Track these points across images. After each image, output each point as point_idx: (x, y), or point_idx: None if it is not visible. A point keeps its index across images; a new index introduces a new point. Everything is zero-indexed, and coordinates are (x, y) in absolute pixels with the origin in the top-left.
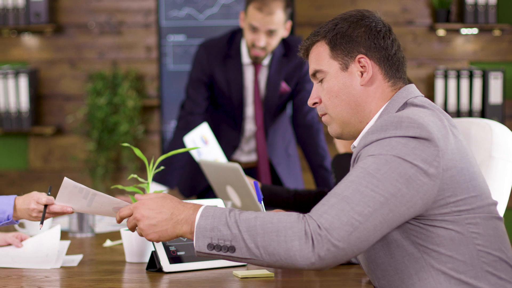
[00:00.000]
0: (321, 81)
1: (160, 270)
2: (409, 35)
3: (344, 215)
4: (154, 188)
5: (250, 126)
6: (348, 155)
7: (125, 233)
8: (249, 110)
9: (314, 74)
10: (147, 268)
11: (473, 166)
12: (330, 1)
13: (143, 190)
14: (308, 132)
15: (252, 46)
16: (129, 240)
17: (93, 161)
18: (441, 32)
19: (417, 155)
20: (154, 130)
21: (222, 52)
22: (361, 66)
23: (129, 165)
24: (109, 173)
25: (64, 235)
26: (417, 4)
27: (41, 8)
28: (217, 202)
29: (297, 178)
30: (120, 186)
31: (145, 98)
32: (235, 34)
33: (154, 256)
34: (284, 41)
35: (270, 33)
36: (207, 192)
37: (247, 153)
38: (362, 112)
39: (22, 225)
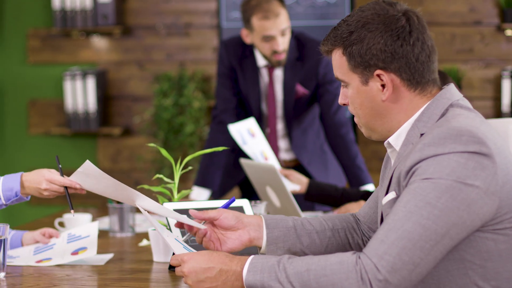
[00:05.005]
0: (345, 86)
1: None
2: (477, 35)
3: (406, 254)
4: (197, 192)
5: (263, 127)
6: None
7: (153, 233)
8: (264, 115)
9: (337, 79)
10: (169, 268)
11: None
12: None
13: (170, 191)
14: (337, 132)
15: (272, 54)
16: (156, 240)
17: (160, 162)
18: (509, 32)
19: (478, 176)
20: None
21: (239, 52)
22: (381, 80)
23: (195, 166)
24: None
25: (104, 234)
26: (485, 4)
27: (109, 10)
28: (243, 203)
29: (336, 172)
30: (146, 186)
31: (211, 99)
32: None
33: None
34: (297, 44)
35: (283, 32)
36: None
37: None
38: (390, 123)
39: (62, 224)
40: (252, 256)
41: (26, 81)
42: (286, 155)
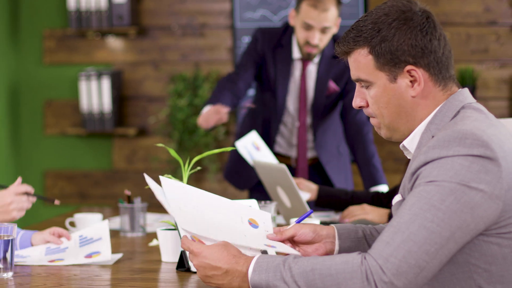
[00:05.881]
0: (366, 87)
1: (188, 270)
2: (492, 35)
3: (411, 257)
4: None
5: (291, 120)
6: None
7: (161, 233)
8: (292, 104)
9: (357, 80)
10: (177, 268)
11: None
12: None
13: None
14: (357, 131)
15: (305, 44)
16: (165, 240)
17: (175, 162)
18: None
19: (482, 179)
20: (235, 132)
21: (275, 40)
22: (411, 76)
23: (210, 166)
24: (191, 174)
25: (115, 234)
26: (500, 4)
27: (124, 10)
28: (252, 203)
29: (347, 176)
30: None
31: None
32: (288, 27)
33: (183, 256)
34: (334, 41)
35: (324, 30)
36: (258, 187)
37: (286, 148)
38: (413, 121)
39: (72, 224)
40: (257, 256)
41: (42, 82)
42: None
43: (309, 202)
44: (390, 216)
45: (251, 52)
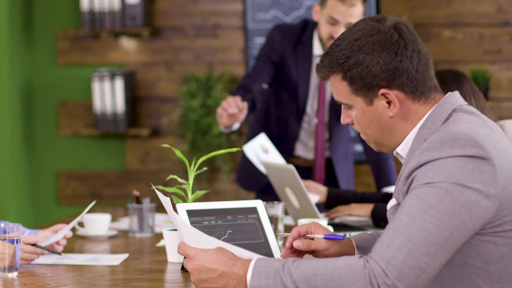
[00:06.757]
0: (348, 108)
1: None
2: (505, 36)
3: (412, 259)
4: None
5: (307, 119)
6: None
7: (167, 234)
8: (311, 101)
9: (338, 102)
10: (181, 268)
11: None
12: (424, 3)
13: (185, 192)
14: None
15: (328, 39)
16: (171, 240)
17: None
18: None
19: (476, 178)
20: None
21: (295, 38)
22: (386, 98)
23: (223, 167)
24: (203, 174)
25: (124, 234)
26: None
27: (137, 11)
28: (257, 204)
29: (349, 179)
30: (160, 187)
31: None
32: (308, 24)
33: None
34: None
35: (349, 26)
36: (268, 189)
37: (309, 149)
38: (399, 136)
39: (81, 224)
40: (255, 259)
41: (55, 82)
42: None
43: (318, 204)
44: (374, 210)
45: (268, 53)
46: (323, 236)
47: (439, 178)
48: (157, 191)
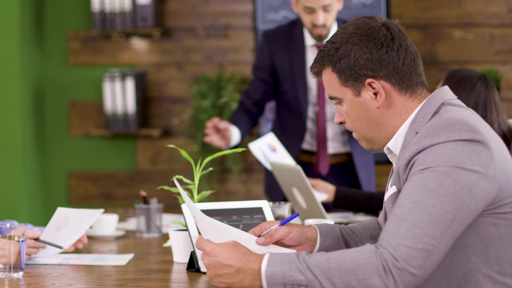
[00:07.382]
0: (339, 103)
1: (198, 271)
2: None
3: (419, 242)
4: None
5: (312, 108)
6: None
7: (173, 234)
8: (314, 94)
9: (330, 98)
10: (187, 268)
11: None
12: (435, 3)
13: (191, 192)
14: None
15: (312, 27)
16: (177, 241)
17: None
18: None
19: (474, 161)
20: (258, 133)
21: (284, 36)
22: (373, 88)
23: (234, 167)
24: (214, 174)
25: (132, 235)
26: None
27: (148, 12)
28: (262, 204)
29: (370, 172)
30: (165, 187)
31: None
32: (298, 19)
33: (193, 256)
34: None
35: (325, 8)
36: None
37: (310, 141)
38: (387, 130)
39: None
40: (269, 253)
41: (66, 83)
42: (335, 147)
43: (326, 204)
44: (337, 192)
45: (262, 61)
46: (278, 224)
47: (438, 163)
48: (175, 182)
